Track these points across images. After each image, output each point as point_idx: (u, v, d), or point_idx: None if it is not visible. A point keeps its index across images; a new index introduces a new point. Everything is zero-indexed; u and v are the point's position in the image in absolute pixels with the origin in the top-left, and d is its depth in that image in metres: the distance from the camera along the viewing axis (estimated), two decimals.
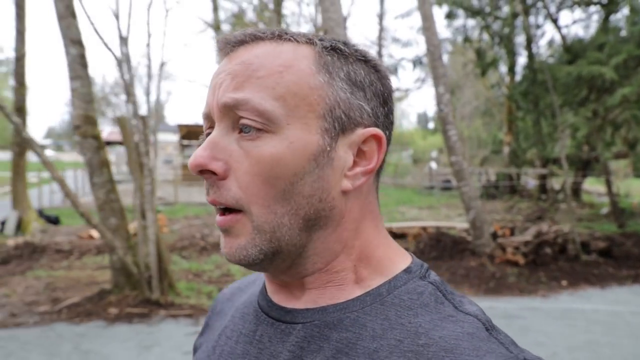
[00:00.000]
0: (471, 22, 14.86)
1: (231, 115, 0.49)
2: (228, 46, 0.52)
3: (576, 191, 16.18)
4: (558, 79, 10.17)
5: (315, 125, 0.48)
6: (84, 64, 5.32)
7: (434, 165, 26.75)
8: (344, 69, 0.50)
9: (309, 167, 0.48)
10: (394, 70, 14.37)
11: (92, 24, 5.33)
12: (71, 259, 8.09)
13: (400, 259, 0.54)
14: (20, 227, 11.01)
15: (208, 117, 0.52)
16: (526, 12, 13.54)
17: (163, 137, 31.44)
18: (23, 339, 4.40)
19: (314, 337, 0.49)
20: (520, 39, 15.09)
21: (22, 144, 11.62)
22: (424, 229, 9.46)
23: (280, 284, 0.55)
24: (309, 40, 0.51)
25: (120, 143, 28.90)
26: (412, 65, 14.19)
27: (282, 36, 0.51)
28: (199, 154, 0.49)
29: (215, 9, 14.68)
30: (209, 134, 0.53)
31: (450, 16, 13.58)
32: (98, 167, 5.32)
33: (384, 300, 0.50)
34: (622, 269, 7.37)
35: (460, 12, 13.53)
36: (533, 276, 6.94)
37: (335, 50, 0.51)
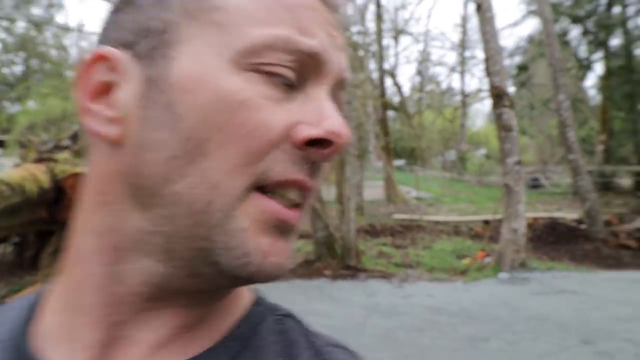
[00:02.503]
0: (566, 27, 15.66)
1: (331, 88, 0.38)
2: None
3: None
4: None
5: None
6: None
7: None
8: None
9: None
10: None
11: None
12: None
13: None
14: None
15: (314, 56, 0.35)
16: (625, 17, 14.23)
17: None
18: (281, 288, 6.22)
19: None
20: (617, 41, 15.71)
21: None
22: (535, 219, 10.66)
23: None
24: None
25: None
26: (517, 70, 15.33)
27: None
28: (342, 122, 0.35)
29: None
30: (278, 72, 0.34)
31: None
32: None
33: (251, 346, 0.40)
34: None
35: (562, 19, 14.44)
36: None
37: None
